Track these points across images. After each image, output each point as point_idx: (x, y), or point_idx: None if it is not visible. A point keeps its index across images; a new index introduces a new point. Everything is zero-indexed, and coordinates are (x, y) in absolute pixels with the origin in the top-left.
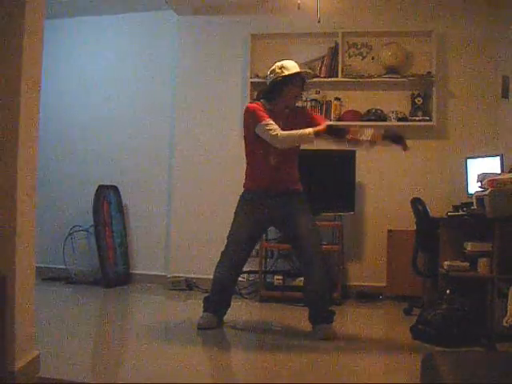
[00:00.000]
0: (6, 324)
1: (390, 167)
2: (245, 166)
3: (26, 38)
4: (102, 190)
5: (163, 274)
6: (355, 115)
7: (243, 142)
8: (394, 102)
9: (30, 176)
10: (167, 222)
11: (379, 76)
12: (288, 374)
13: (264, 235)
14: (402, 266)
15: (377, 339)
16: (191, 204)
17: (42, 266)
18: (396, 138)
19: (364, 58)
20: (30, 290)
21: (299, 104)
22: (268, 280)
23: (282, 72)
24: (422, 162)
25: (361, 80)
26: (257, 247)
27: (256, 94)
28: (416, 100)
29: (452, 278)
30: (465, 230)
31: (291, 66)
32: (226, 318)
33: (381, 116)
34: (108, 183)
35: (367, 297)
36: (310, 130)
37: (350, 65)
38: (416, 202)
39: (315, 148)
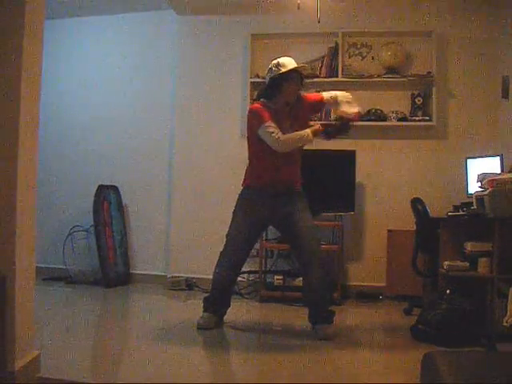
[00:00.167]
0: (6, 324)
1: (390, 167)
2: (245, 166)
3: (25, 38)
4: (102, 189)
5: (163, 274)
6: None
7: (243, 141)
8: (394, 102)
9: (30, 176)
10: (167, 222)
11: (379, 76)
12: (288, 374)
13: (264, 235)
14: (401, 266)
15: (377, 339)
16: (191, 204)
17: (42, 265)
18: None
19: (364, 57)
20: (29, 290)
21: None
22: (268, 280)
23: (279, 70)
24: (422, 162)
25: (361, 80)
26: (257, 247)
27: (256, 93)
28: (416, 100)
29: (452, 277)
30: (465, 230)
31: (287, 63)
32: (226, 317)
33: (381, 116)
34: (108, 183)
35: (367, 297)
36: (308, 131)
37: (349, 65)
38: (416, 202)
39: (315, 148)
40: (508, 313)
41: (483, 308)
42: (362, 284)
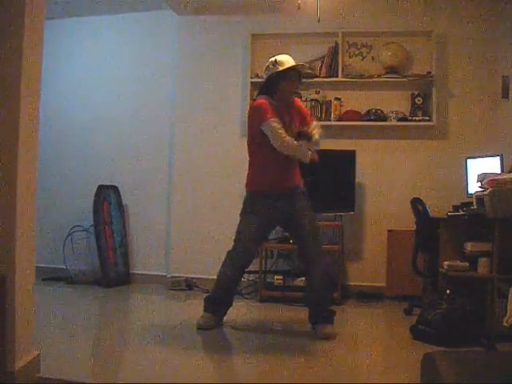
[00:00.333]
0: (6, 324)
1: (390, 167)
2: (245, 166)
3: (25, 38)
4: (102, 189)
5: (163, 274)
6: (355, 115)
7: (243, 141)
8: (394, 102)
9: (30, 176)
10: (167, 222)
11: (379, 76)
12: (288, 374)
13: None
14: (401, 266)
15: (377, 339)
16: (191, 204)
17: (42, 265)
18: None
19: (364, 57)
20: (29, 290)
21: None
22: (268, 280)
23: (276, 68)
24: (422, 162)
25: (361, 80)
26: None
27: (256, 93)
28: (416, 100)
29: (452, 277)
30: (465, 230)
31: (285, 61)
32: (225, 318)
33: (381, 116)
34: (108, 183)
35: (367, 297)
36: (309, 155)
37: (349, 65)
38: (416, 202)
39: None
40: (508, 313)
41: (483, 308)
42: (362, 284)
